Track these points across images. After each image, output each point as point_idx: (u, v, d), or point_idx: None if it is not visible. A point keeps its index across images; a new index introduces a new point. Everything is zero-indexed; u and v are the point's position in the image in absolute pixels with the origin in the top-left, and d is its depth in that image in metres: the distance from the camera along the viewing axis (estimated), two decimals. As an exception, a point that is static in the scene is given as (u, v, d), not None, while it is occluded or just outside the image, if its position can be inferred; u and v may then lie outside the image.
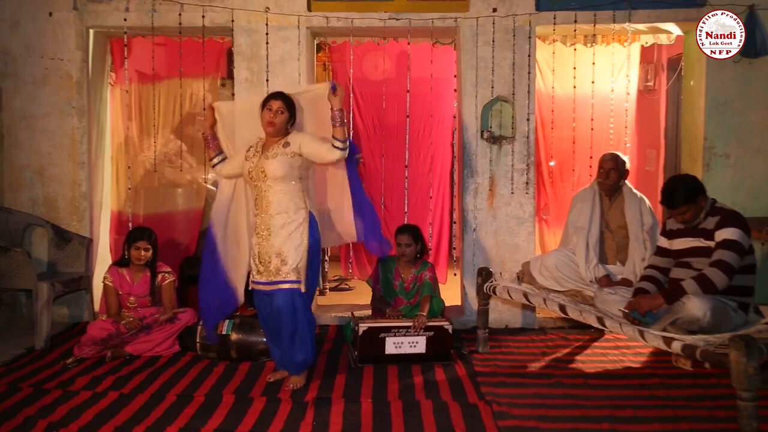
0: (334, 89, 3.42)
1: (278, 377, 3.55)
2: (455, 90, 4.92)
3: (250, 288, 3.54)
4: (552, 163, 5.34)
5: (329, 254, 5.67)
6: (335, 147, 3.39)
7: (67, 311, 4.70)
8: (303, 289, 3.39)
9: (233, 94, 4.65)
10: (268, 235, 3.38)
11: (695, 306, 3.00)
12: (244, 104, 3.93)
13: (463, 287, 4.72)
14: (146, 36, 4.77)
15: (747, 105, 4.52)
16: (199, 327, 3.88)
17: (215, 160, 3.66)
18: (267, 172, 3.38)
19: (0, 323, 4.52)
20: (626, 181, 4.06)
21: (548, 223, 5.49)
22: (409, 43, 4.75)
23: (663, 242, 3.53)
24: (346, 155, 3.46)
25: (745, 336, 2.68)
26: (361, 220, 3.70)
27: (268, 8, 4.54)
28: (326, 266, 5.52)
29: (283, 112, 3.40)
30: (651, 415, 3.00)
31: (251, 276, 3.50)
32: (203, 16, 4.53)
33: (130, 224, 4.86)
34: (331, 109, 3.41)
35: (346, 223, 3.74)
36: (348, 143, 3.46)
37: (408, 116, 4.88)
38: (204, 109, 5.04)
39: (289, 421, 2.98)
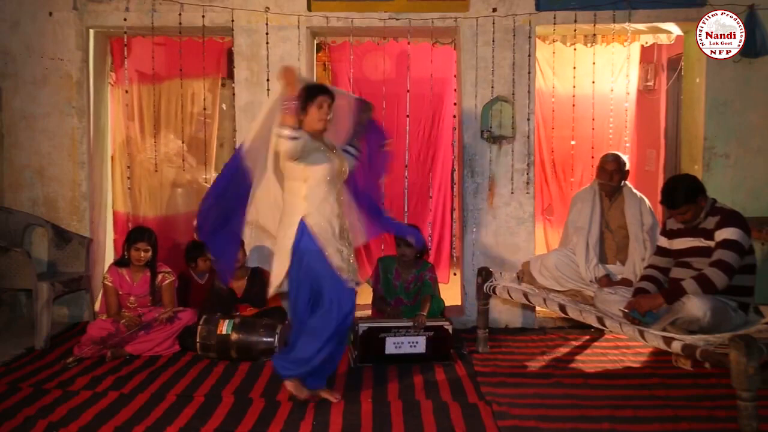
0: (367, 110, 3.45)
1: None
2: (455, 90, 4.92)
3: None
4: None
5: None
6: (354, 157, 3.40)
7: (67, 311, 4.70)
8: None
9: (233, 94, 4.65)
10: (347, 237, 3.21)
11: (695, 306, 3.00)
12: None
13: (463, 287, 4.71)
14: (146, 36, 4.76)
15: (747, 105, 4.52)
16: (200, 327, 3.87)
17: (295, 133, 2.88)
18: (347, 170, 3.23)
19: (0, 323, 4.52)
20: (626, 182, 4.06)
21: (552, 224, 5.49)
22: (409, 43, 4.75)
23: (663, 242, 3.53)
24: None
25: (745, 336, 2.68)
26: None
27: (268, 8, 4.54)
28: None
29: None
30: (651, 415, 3.00)
31: (346, 279, 3.09)
32: (203, 16, 4.53)
33: (129, 224, 4.86)
34: (359, 122, 3.46)
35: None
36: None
37: (408, 116, 4.88)
38: (204, 109, 5.08)
39: (289, 422, 2.98)
